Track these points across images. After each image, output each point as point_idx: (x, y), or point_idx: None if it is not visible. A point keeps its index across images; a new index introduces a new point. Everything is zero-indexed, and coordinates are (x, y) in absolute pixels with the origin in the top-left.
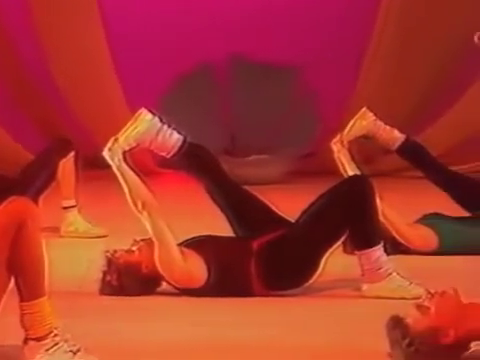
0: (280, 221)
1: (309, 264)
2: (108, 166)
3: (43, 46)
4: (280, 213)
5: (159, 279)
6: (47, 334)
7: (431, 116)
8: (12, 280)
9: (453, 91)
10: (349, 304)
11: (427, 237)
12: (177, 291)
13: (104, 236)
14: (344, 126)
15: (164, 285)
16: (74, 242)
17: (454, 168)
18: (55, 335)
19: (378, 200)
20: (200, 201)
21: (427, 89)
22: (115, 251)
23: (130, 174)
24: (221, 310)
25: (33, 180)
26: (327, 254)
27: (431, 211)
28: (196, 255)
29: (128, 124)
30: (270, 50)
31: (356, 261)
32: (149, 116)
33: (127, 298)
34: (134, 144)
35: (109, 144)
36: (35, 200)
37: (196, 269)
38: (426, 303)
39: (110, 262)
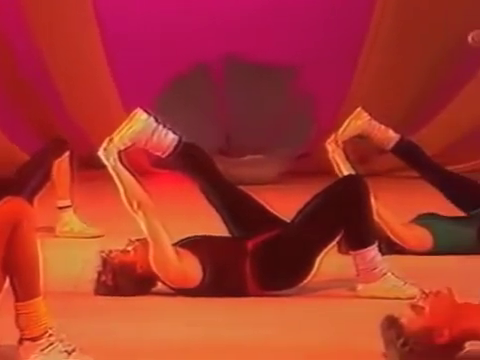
0: (275, 221)
1: (304, 264)
2: (103, 166)
3: (38, 47)
4: (275, 213)
5: (154, 279)
6: (42, 334)
7: (426, 116)
8: (7, 280)
9: (448, 91)
10: (344, 304)
11: (422, 237)
12: (172, 291)
13: (99, 236)
14: (339, 126)
15: (159, 285)
16: (69, 242)
17: (449, 168)
18: (50, 335)
19: (373, 200)
20: (195, 201)
21: (422, 89)
22: (110, 251)
23: (125, 174)
24: (216, 310)
25: (28, 180)
26: (322, 254)
27: (426, 211)
28: (191, 255)
29: (123, 124)
30: (265, 51)
31: (351, 261)
32: (144, 116)
33: (122, 298)
34: (129, 144)
35: (104, 144)
36: (30, 200)
37: (191, 269)
38: (421, 303)
39: (105, 262)
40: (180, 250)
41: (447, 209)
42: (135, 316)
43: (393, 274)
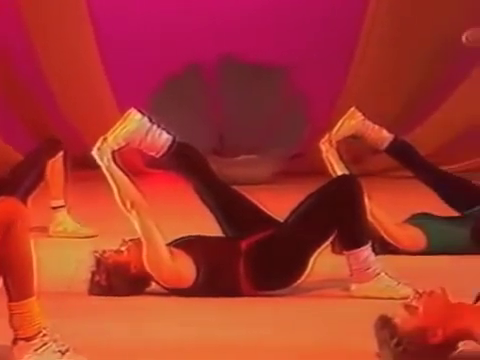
0: (269, 221)
1: (298, 264)
2: (97, 166)
3: (32, 47)
4: (269, 213)
5: (148, 279)
6: (36, 334)
7: (420, 116)
8: (1, 280)
9: (442, 90)
10: (337, 304)
11: (415, 237)
12: (166, 291)
13: (93, 236)
14: (333, 126)
15: (153, 285)
16: (63, 242)
17: (443, 167)
18: (44, 335)
19: (366, 200)
20: (189, 201)
21: (415, 89)
22: (104, 251)
23: (119, 174)
24: (210, 310)
25: (22, 180)
26: (316, 254)
27: (420, 211)
28: (185, 255)
29: (117, 124)
30: (259, 51)
31: (345, 261)
32: (138, 116)
33: (116, 298)
34: (123, 143)
35: (98, 144)
36: (24, 200)
37: (185, 269)
38: (414, 303)
39: (99, 262)
40: (174, 250)
41: (441, 209)
42: (129, 316)
43: (387, 274)
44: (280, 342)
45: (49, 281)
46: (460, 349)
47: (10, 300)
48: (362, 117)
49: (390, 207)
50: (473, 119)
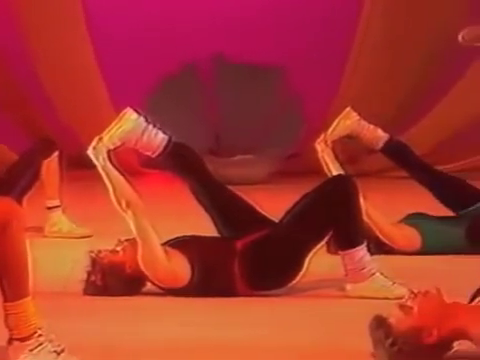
0: (264, 221)
1: (293, 264)
2: (93, 166)
3: (28, 47)
4: (264, 213)
5: (143, 279)
6: (31, 334)
7: (415, 116)
8: None
9: (437, 91)
10: (333, 304)
11: (411, 237)
12: (162, 291)
13: (88, 236)
14: (328, 126)
15: (149, 285)
16: (58, 242)
17: (438, 167)
18: (39, 335)
19: (362, 200)
20: (185, 201)
21: (411, 89)
22: (99, 251)
23: (115, 173)
24: (206, 310)
25: (17, 180)
26: (311, 254)
27: (415, 211)
28: (180, 255)
29: (113, 123)
30: (255, 51)
31: (340, 261)
32: (134, 116)
33: (111, 298)
34: (119, 143)
35: (93, 143)
36: (19, 200)
37: (180, 269)
38: (409, 303)
39: (94, 262)
40: (169, 250)
41: (436, 209)
42: (124, 316)
43: (382, 274)
44: (276, 342)
45: (44, 281)
46: (455, 349)
47: (5, 300)
48: (357, 117)
49: (385, 207)
50: (468, 119)
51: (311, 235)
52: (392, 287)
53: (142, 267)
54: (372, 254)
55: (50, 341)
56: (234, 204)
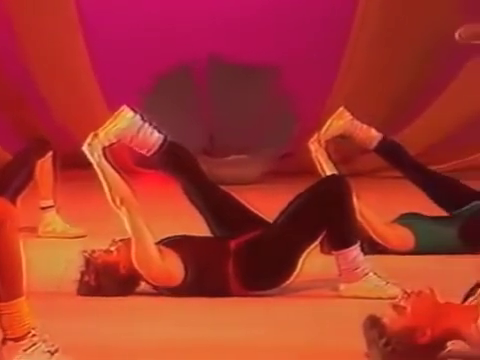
0: (257, 221)
1: (287, 264)
2: (87, 166)
3: (21, 46)
4: (257, 213)
5: (137, 279)
6: (25, 334)
7: (409, 116)
8: None
9: (430, 91)
10: (326, 304)
11: (404, 237)
12: (156, 291)
13: (82, 236)
14: (322, 126)
15: (143, 285)
16: (52, 242)
17: (432, 167)
18: (33, 335)
19: (355, 200)
20: (179, 201)
21: (405, 89)
22: (93, 251)
23: (110, 170)
24: (200, 310)
25: (11, 180)
26: (305, 254)
27: (408, 211)
28: (173, 254)
29: (109, 121)
30: (248, 51)
31: (334, 261)
32: (130, 114)
33: (105, 298)
34: (114, 140)
35: (88, 139)
36: (13, 200)
37: (173, 268)
38: (402, 303)
39: (88, 262)
40: (163, 248)
41: (430, 209)
42: (118, 316)
43: (375, 274)
44: (270, 342)
45: (38, 281)
46: (448, 349)
47: None
48: (350, 117)
49: (379, 207)
50: (462, 119)
51: (305, 235)
52: (385, 287)
53: (136, 265)
54: (365, 254)
55: (44, 341)
56: (227, 204)
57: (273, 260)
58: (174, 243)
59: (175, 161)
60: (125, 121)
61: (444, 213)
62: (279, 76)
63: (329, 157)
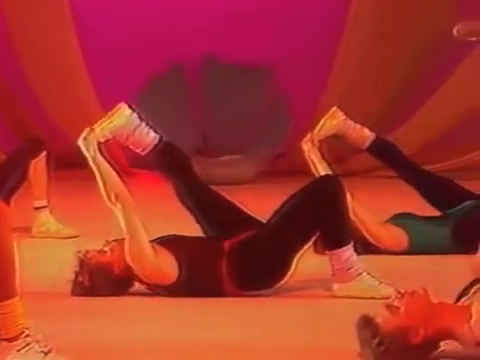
0: (250, 221)
1: (281, 264)
2: (81, 166)
3: (15, 46)
4: (250, 213)
5: (131, 279)
6: (19, 335)
7: (403, 115)
8: None
9: (424, 90)
10: (320, 304)
11: (397, 237)
12: (150, 292)
13: (76, 236)
14: (316, 125)
15: (137, 286)
16: (46, 242)
17: (426, 167)
18: (27, 336)
19: (349, 199)
20: (174, 201)
21: (398, 88)
22: (87, 251)
23: (105, 166)
24: (195, 310)
25: (5, 181)
26: (299, 254)
27: (401, 210)
28: (167, 252)
29: (106, 117)
30: (242, 50)
31: (327, 261)
32: (128, 111)
33: (99, 299)
34: (110, 136)
35: (84, 133)
36: (7, 200)
37: (167, 265)
38: (396, 303)
39: (82, 263)
40: (156, 246)
41: (423, 208)
42: (112, 317)
43: (369, 274)
44: (264, 342)
45: (32, 281)
46: (441, 349)
47: None
48: (343, 116)
49: (372, 207)
50: (457, 118)
51: (299, 235)
52: (379, 287)
53: (129, 261)
54: (359, 254)
55: (37, 341)
56: (218, 205)
57: (267, 260)
58: (168, 242)
59: (168, 161)
60: (122, 118)
61: (437, 213)
62: (272, 76)
63: (322, 157)
